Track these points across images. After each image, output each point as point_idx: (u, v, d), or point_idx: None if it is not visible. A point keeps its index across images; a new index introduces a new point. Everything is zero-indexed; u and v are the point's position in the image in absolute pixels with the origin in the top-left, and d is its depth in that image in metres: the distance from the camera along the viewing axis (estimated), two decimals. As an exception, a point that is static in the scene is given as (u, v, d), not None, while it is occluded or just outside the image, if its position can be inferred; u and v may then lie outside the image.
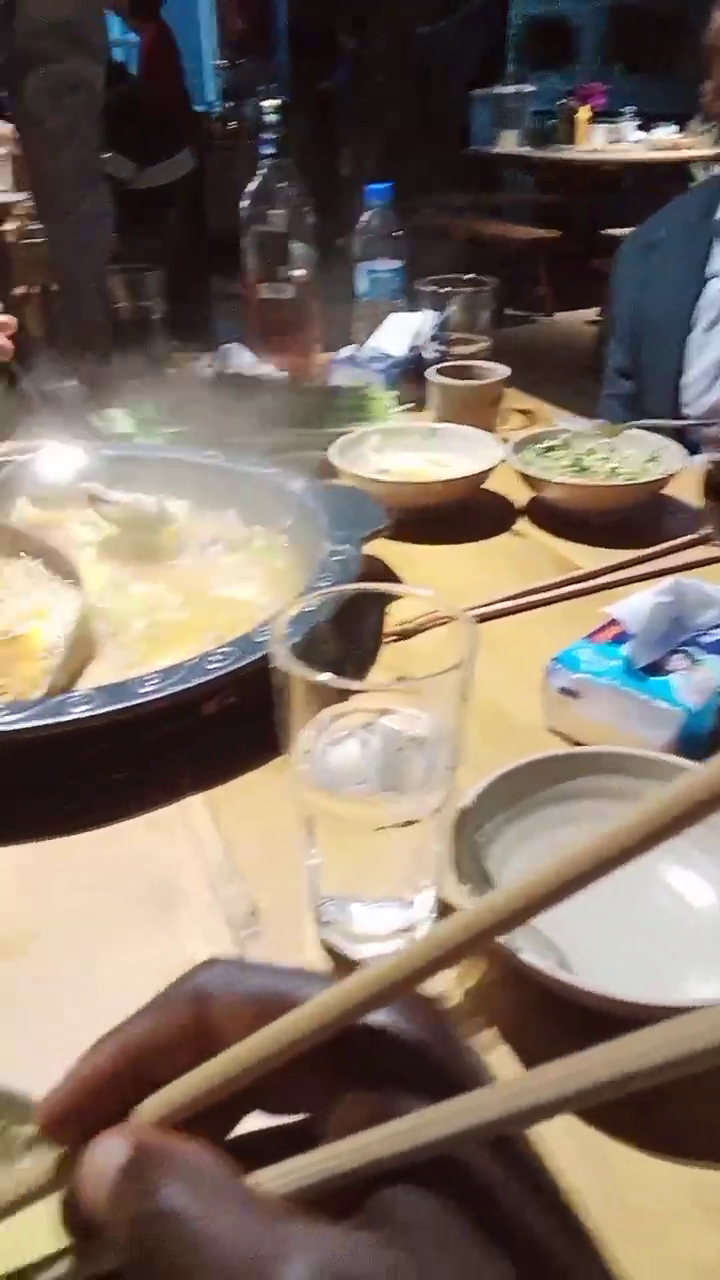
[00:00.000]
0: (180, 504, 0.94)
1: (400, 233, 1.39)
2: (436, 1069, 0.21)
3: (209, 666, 0.63)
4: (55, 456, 0.98)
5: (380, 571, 0.85)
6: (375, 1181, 0.19)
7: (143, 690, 0.61)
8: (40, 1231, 0.32)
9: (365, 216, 1.38)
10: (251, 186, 1.31)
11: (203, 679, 0.62)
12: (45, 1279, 0.23)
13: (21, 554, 0.83)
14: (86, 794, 0.60)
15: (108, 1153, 0.21)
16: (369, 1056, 0.21)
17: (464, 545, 0.93)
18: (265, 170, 1.30)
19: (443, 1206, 0.19)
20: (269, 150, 1.29)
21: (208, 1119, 0.22)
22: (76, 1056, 0.23)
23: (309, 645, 0.48)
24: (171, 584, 0.82)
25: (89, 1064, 0.23)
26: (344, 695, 0.48)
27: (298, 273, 1.35)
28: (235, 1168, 0.21)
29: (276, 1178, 0.20)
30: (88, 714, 0.59)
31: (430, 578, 0.87)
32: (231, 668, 0.63)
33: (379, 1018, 0.22)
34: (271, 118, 1.27)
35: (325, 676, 0.43)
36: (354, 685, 0.45)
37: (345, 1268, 0.18)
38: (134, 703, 0.60)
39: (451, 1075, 0.21)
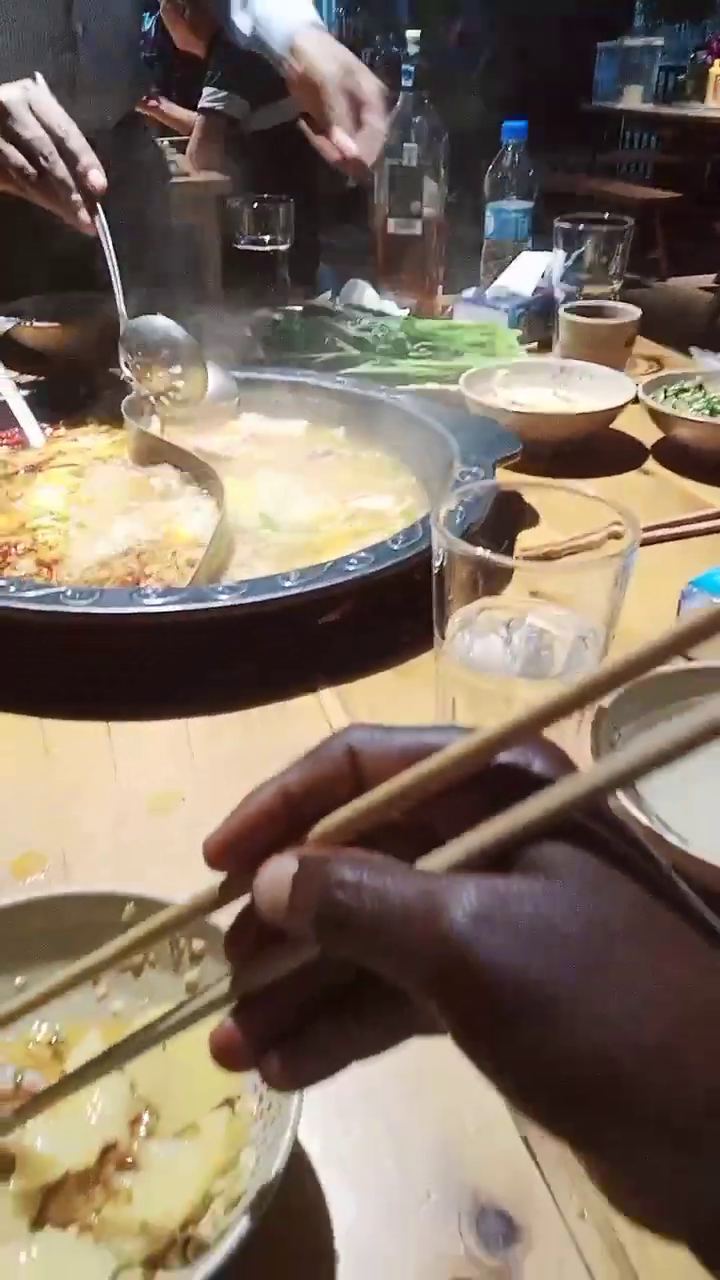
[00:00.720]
0: (298, 424, 0.97)
1: (533, 172, 1.36)
2: None
3: (347, 568, 0.65)
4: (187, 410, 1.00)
5: (510, 500, 0.85)
6: (521, 846, 0.22)
7: (286, 584, 0.63)
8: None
9: (499, 154, 1.36)
10: (388, 117, 1.30)
11: (341, 579, 0.64)
12: (206, 1001, 0.27)
13: (161, 461, 0.86)
14: (231, 679, 0.63)
15: (281, 866, 0.24)
16: (506, 788, 0.23)
17: (590, 481, 0.92)
18: (401, 101, 1.29)
19: (585, 856, 0.21)
20: (407, 82, 1.28)
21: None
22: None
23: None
24: (312, 497, 0.84)
25: (251, 802, 0.25)
26: (497, 583, 0.49)
27: (428, 210, 1.34)
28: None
29: (433, 861, 0.23)
30: (232, 602, 0.61)
31: (556, 511, 0.87)
32: (368, 571, 0.65)
33: (511, 757, 0.24)
34: (413, 48, 1.26)
35: (486, 552, 0.44)
36: (511, 562, 0.46)
37: (506, 893, 0.21)
38: (276, 595, 0.62)
39: None
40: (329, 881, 0.22)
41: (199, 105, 2.60)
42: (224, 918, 0.30)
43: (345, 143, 1.01)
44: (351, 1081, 0.39)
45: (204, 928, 0.38)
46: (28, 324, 1.12)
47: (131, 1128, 0.36)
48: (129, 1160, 0.35)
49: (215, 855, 0.25)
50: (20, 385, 0.99)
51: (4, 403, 0.95)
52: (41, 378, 1.05)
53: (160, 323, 0.93)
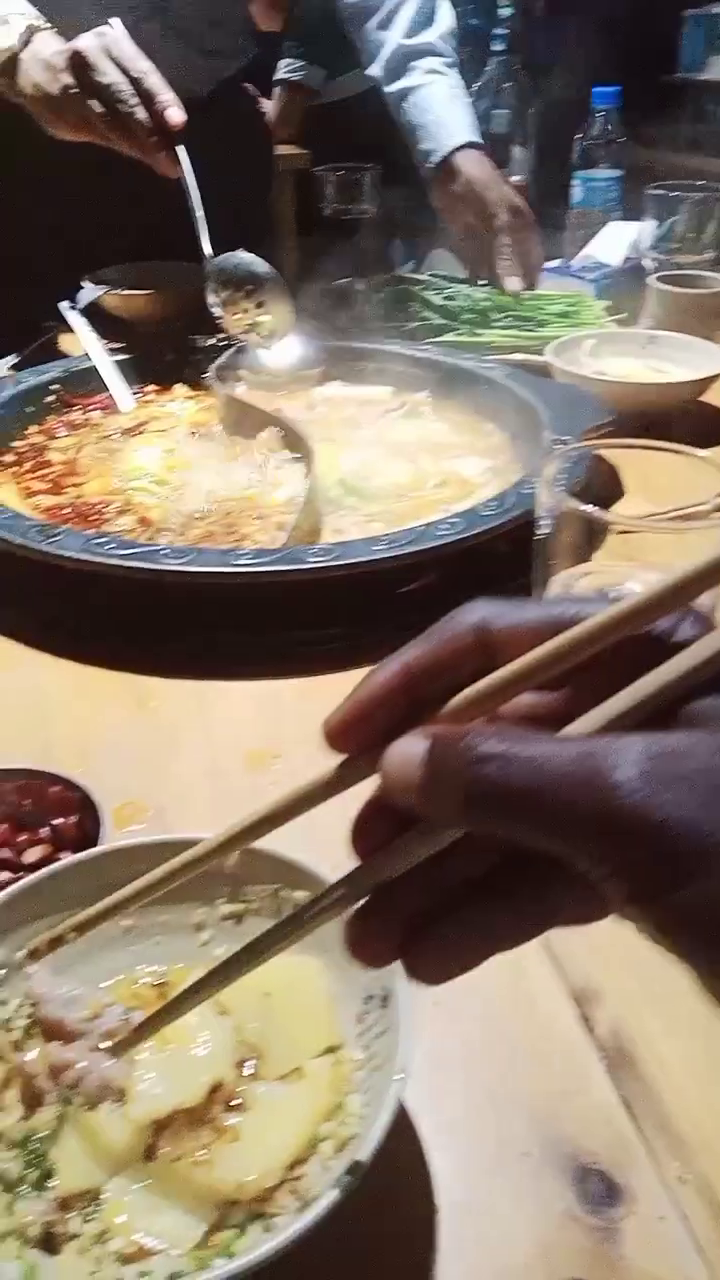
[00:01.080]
0: (383, 389, 0.97)
1: (624, 139, 1.33)
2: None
3: (438, 533, 0.64)
4: (274, 343, 1.00)
5: (601, 469, 0.84)
6: (678, 703, 0.20)
7: (376, 548, 0.63)
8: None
9: (588, 121, 1.32)
10: (477, 84, 1.28)
11: (431, 544, 0.64)
12: (337, 897, 0.25)
13: (249, 426, 0.87)
14: (322, 641, 0.63)
15: (409, 744, 0.22)
16: (655, 656, 0.21)
17: (680, 453, 0.90)
18: (492, 66, 1.27)
19: None
20: (499, 46, 1.26)
21: None
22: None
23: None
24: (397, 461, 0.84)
25: (372, 680, 0.24)
26: (597, 548, 0.48)
27: (516, 178, 1.32)
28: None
29: (578, 727, 0.21)
30: (323, 564, 0.62)
31: (651, 483, 0.85)
32: (458, 536, 0.64)
33: (660, 625, 0.22)
34: (505, 11, 1.24)
35: (598, 510, 0.43)
36: (609, 516, 0.45)
37: (673, 748, 0.19)
38: (367, 559, 0.62)
39: None
40: (471, 757, 0.20)
41: (275, 77, 2.58)
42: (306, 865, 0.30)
43: (515, 286, 1.11)
44: (451, 1039, 0.40)
45: (306, 878, 0.39)
46: (115, 292, 1.13)
47: (237, 1069, 0.36)
48: (236, 1101, 0.35)
49: (336, 734, 0.24)
50: (110, 351, 1.00)
51: (95, 368, 0.96)
52: (128, 344, 1.06)
53: (244, 257, 0.94)
